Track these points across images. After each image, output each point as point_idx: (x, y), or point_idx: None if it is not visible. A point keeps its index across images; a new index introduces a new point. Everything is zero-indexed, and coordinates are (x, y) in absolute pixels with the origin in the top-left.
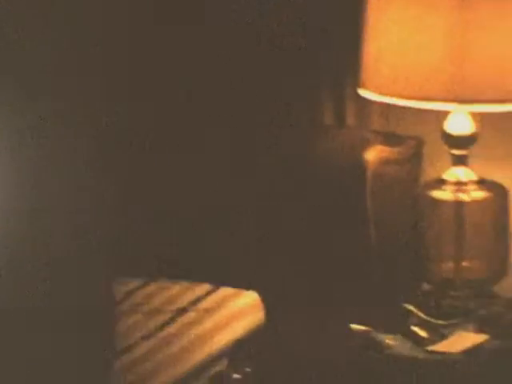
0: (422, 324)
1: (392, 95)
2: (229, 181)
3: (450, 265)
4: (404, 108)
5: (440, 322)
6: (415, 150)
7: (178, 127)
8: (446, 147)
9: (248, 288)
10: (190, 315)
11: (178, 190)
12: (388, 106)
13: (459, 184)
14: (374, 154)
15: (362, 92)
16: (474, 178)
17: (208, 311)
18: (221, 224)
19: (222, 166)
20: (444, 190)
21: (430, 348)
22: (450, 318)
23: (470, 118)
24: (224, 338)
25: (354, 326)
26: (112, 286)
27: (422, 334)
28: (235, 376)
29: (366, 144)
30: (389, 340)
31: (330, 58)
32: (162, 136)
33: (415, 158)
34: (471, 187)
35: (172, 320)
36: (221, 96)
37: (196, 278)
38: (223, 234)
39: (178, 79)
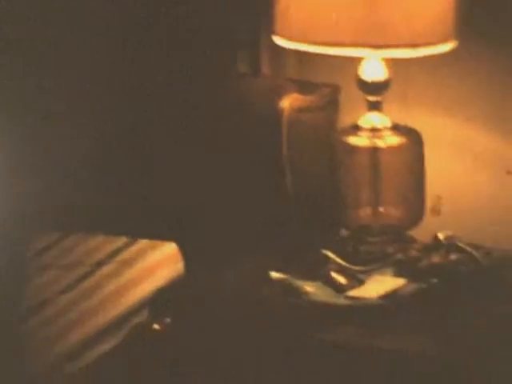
0: (340, 270)
1: (304, 42)
2: (143, 129)
3: (367, 211)
4: (319, 55)
5: (358, 267)
6: (331, 97)
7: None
8: (361, 94)
9: (166, 239)
10: (109, 268)
11: (90, 138)
12: (303, 53)
13: (374, 130)
14: (289, 102)
15: (276, 39)
16: (389, 123)
17: (126, 263)
18: (137, 175)
19: (135, 115)
20: (359, 136)
21: (349, 293)
22: (367, 263)
23: (383, 63)
24: (143, 290)
25: (273, 274)
26: (24, 241)
27: (341, 279)
28: (155, 326)
29: (281, 92)
30: (307, 286)
31: (245, 5)
32: None
33: (331, 105)
34: (386, 133)
35: (91, 273)
36: (133, 45)
37: (113, 231)
38: (140, 186)
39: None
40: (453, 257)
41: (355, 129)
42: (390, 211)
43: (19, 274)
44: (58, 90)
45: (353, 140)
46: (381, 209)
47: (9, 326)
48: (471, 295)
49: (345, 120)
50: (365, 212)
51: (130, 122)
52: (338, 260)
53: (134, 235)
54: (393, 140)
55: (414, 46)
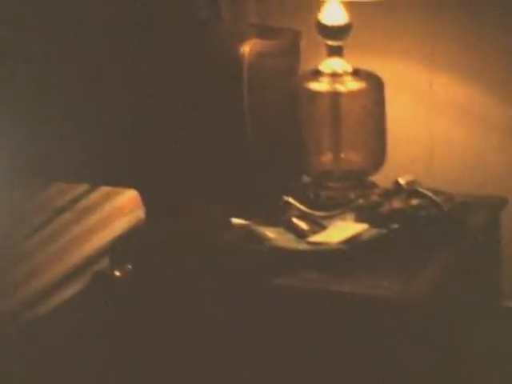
0: (302, 216)
1: None
2: (106, 76)
3: (329, 156)
4: (280, 0)
5: (319, 213)
6: (292, 42)
7: None
8: (322, 39)
9: (127, 187)
10: (70, 214)
11: (47, 88)
12: None
13: (335, 75)
14: (250, 48)
15: None
16: (350, 69)
17: (87, 210)
18: (97, 123)
19: (98, 65)
20: (320, 81)
21: (310, 239)
22: (329, 209)
23: (343, 8)
24: (104, 237)
25: (235, 220)
26: None
27: (302, 225)
28: (116, 273)
29: (242, 38)
30: (269, 232)
31: None
32: None
33: (292, 50)
34: (347, 78)
35: (51, 220)
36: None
37: (74, 178)
38: (100, 132)
39: None
40: (413, 202)
41: (316, 74)
42: (352, 157)
43: None
44: None
45: (313, 85)
46: (342, 154)
47: None
48: (432, 240)
49: (306, 66)
50: (326, 158)
51: (92, 69)
52: (300, 206)
53: (96, 182)
54: (353, 85)
55: None
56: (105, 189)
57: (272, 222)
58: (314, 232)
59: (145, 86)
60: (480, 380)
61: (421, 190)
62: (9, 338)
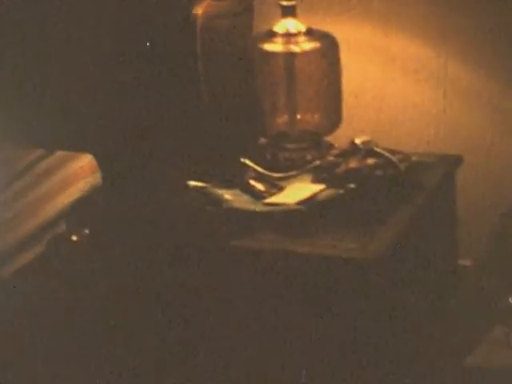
0: (259, 177)
1: None
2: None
3: (285, 117)
4: None
5: (276, 174)
6: (246, 3)
7: None
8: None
9: (83, 151)
10: (26, 179)
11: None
12: None
13: (289, 35)
14: (203, 8)
15: None
16: (304, 28)
17: (43, 175)
18: (54, 86)
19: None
20: (274, 42)
21: (267, 200)
22: (286, 170)
23: None
24: (61, 201)
25: (191, 183)
26: None
27: (259, 187)
28: (73, 238)
29: None
30: (226, 194)
31: None
32: None
33: (246, 11)
34: (301, 38)
35: (7, 185)
36: None
37: (29, 143)
38: (55, 96)
39: None
40: (370, 162)
41: (270, 35)
42: (308, 117)
43: None
44: None
45: (268, 46)
46: (298, 115)
47: None
48: (388, 199)
49: (260, 27)
50: (282, 119)
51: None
52: (257, 167)
53: (51, 147)
54: (308, 45)
55: None
56: (61, 153)
57: (229, 184)
58: (272, 193)
59: (99, 47)
60: (436, 337)
61: (377, 149)
62: None
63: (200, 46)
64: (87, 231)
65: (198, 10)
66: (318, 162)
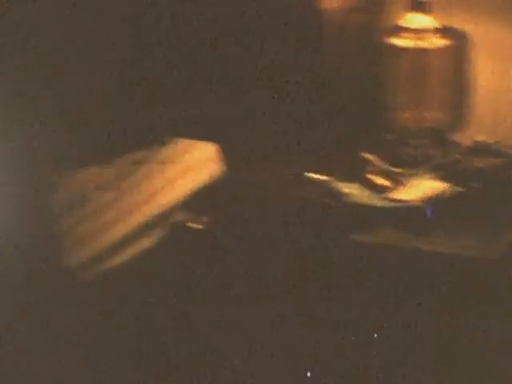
0: (381, 172)
1: None
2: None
3: (410, 113)
4: None
5: (399, 170)
6: None
7: None
8: None
9: (205, 140)
10: (148, 167)
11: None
12: None
13: (419, 31)
14: (332, 2)
15: None
16: (435, 25)
17: (166, 162)
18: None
19: None
20: (404, 37)
21: (389, 196)
22: (408, 166)
23: None
24: (184, 189)
25: (312, 175)
26: None
27: (380, 182)
28: (195, 226)
29: None
30: (346, 188)
31: None
32: None
33: (376, 5)
34: (432, 34)
35: (129, 172)
36: None
37: (154, 132)
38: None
39: None
40: (495, 161)
41: (399, 30)
42: (433, 114)
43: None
44: None
45: (398, 41)
46: (424, 111)
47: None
48: None
49: (390, 21)
50: (407, 115)
51: None
52: (379, 162)
53: (174, 135)
54: (438, 42)
55: None
56: (183, 141)
57: (350, 178)
58: (393, 189)
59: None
60: None
61: (503, 149)
62: (86, 286)
63: (328, 39)
64: (209, 219)
65: (327, 5)
66: (441, 160)
